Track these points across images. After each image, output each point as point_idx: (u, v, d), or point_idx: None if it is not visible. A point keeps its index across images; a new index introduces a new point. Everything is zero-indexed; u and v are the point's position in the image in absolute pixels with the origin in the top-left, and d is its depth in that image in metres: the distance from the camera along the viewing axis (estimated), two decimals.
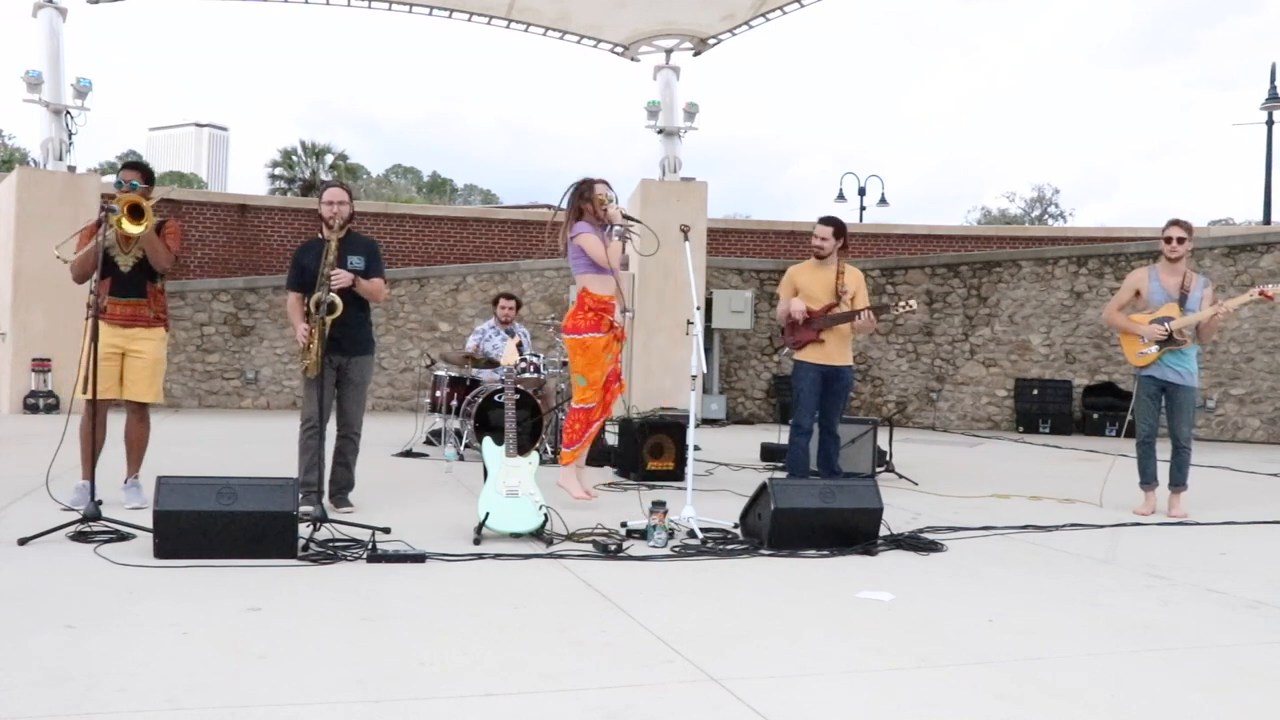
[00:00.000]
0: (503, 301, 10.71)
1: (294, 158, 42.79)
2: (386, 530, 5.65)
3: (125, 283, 6.38)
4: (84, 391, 5.93)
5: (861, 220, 27.06)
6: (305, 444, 6.48)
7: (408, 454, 9.88)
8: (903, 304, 7.69)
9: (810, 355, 7.65)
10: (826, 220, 7.85)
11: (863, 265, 16.96)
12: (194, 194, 21.83)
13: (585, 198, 6.96)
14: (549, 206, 38.37)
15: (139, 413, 6.56)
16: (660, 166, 16.08)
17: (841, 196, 27.50)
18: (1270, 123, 23.47)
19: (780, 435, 10.48)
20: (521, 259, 18.96)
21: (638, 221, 6.98)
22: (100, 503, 5.58)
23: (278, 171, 42.93)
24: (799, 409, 7.65)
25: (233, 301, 16.40)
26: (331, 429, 6.57)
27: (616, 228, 6.78)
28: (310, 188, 39.75)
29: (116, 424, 6.55)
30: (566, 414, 7.10)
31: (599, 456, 9.60)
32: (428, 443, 10.57)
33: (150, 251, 6.31)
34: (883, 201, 27.67)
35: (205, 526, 5.01)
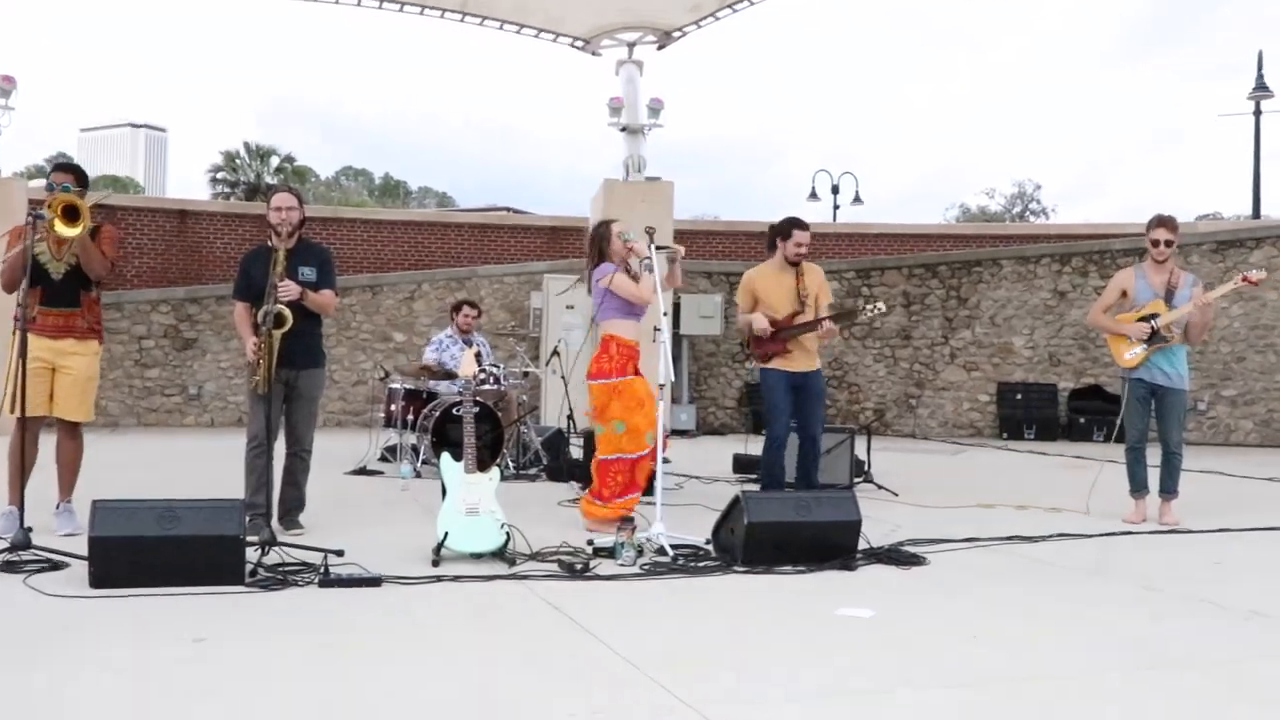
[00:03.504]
0: (465, 309, 10.69)
1: (237, 160, 42.49)
2: (340, 553, 5.61)
3: (57, 292, 6.28)
4: (11, 409, 5.85)
5: (835, 220, 27.14)
6: (252, 463, 6.42)
7: (361, 472, 9.82)
8: (869, 306, 7.69)
9: (777, 364, 7.66)
10: (804, 224, 7.80)
11: (837, 267, 17.02)
12: (131, 199, 21.63)
13: (606, 239, 7.06)
14: (508, 209, 38.36)
15: (70, 432, 6.47)
16: (624, 166, 16.04)
17: (814, 195, 27.58)
18: (1258, 112, 23.69)
19: (753, 445, 10.49)
20: (479, 264, 18.90)
21: (668, 248, 7.00)
22: (30, 530, 5.50)
23: (220, 175, 42.62)
24: (773, 419, 7.63)
25: (173, 313, 16.25)
26: (280, 447, 6.52)
27: (646, 260, 6.84)
28: (255, 192, 39.46)
29: (47, 444, 6.46)
30: (596, 463, 7.06)
31: (560, 471, 9.59)
32: (382, 459, 10.51)
33: (84, 258, 6.23)
34: (857, 200, 27.77)
35: (145, 553, 4.94)
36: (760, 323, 7.59)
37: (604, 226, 7.17)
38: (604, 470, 6.97)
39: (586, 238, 7.30)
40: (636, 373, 7.01)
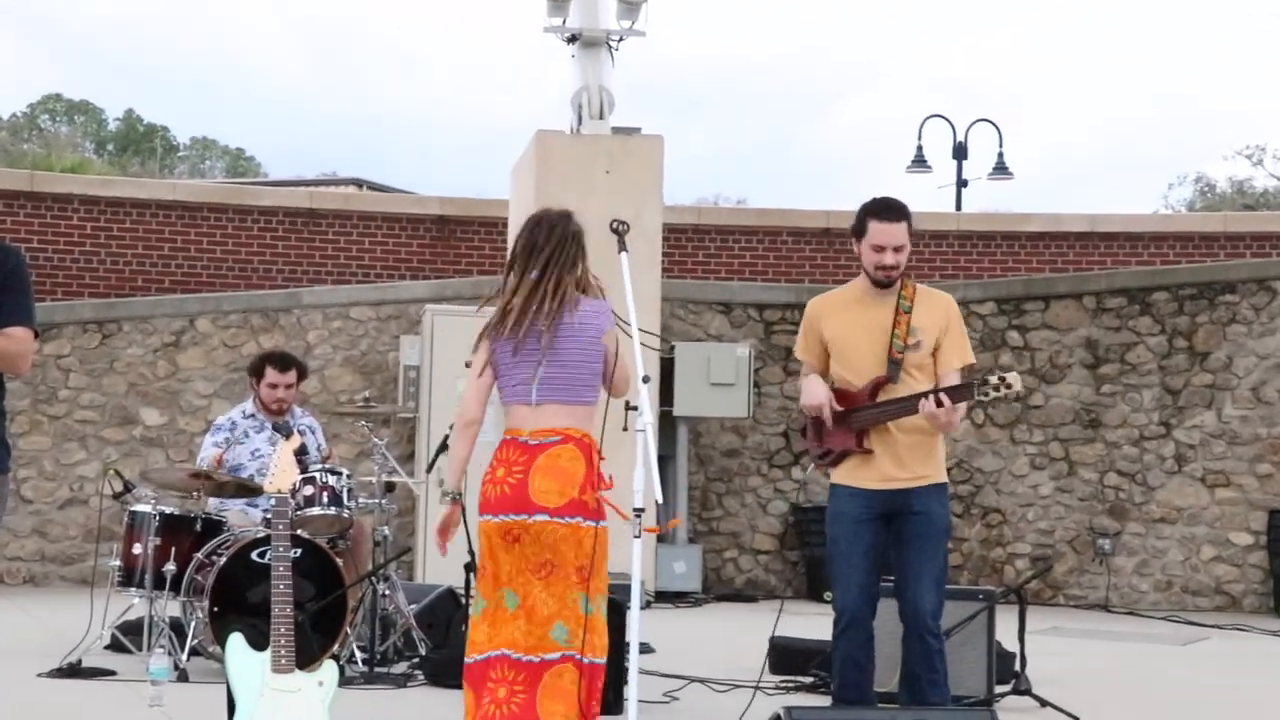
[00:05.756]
0: (271, 372, 10.71)
1: None
2: None
3: None
4: None
5: (960, 207, 27.19)
6: None
7: (74, 672, 9.78)
8: (994, 380, 7.65)
9: (850, 475, 7.72)
10: (894, 210, 7.82)
11: (963, 294, 17.06)
12: None
13: (581, 247, 7.22)
14: (358, 183, 38.20)
15: None
16: (574, 107, 16.10)
17: (921, 160, 27.69)
18: None
19: (808, 622, 10.51)
20: (306, 283, 18.91)
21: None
22: None
23: None
24: (838, 578, 7.72)
25: None
26: None
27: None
28: None
29: None
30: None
31: (450, 667, 9.54)
32: (115, 647, 10.46)
33: None
34: (1000, 170, 27.88)
35: None
36: (814, 396, 7.62)
37: (580, 234, 7.26)
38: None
39: (549, 234, 7.33)
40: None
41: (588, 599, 7.00)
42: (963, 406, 7.65)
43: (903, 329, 7.61)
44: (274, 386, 10.64)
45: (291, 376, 10.75)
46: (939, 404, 7.43)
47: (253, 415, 10.71)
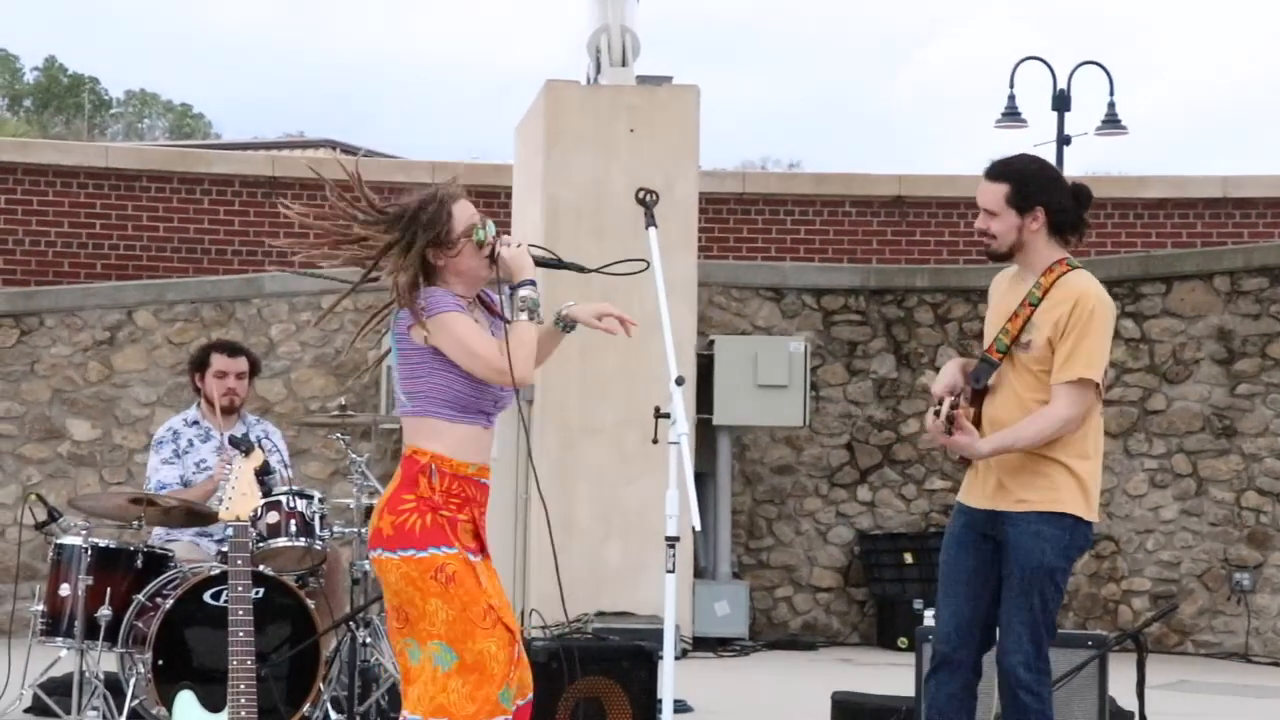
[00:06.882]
0: (219, 359, 10.68)
1: None
2: None
3: None
4: None
5: (1061, 164, 27.14)
6: None
7: None
8: (941, 407, 7.55)
9: (963, 488, 7.84)
10: (990, 166, 7.85)
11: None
12: None
13: (436, 230, 7.06)
14: (331, 145, 38.28)
15: None
16: (591, 52, 16.14)
17: (1013, 112, 27.69)
18: None
19: (879, 674, 10.52)
20: (266, 268, 18.93)
21: (576, 268, 7.10)
22: None
23: None
24: (936, 608, 7.82)
25: None
26: None
27: (524, 291, 6.83)
28: None
29: None
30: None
31: None
32: (38, 710, 10.47)
33: None
34: (1111, 122, 27.82)
35: None
36: (937, 381, 7.73)
37: (438, 209, 7.06)
38: None
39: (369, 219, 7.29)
40: (480, 545, 7.01)
41: (418, 645, 6.86)
42: (964, 429, 7.51)
43: (1017, 324, 7.60)
44: (223, 375, 10.53)
45: (243, 364, 10.67)
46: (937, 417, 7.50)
47: (197, 422, 10.65)
